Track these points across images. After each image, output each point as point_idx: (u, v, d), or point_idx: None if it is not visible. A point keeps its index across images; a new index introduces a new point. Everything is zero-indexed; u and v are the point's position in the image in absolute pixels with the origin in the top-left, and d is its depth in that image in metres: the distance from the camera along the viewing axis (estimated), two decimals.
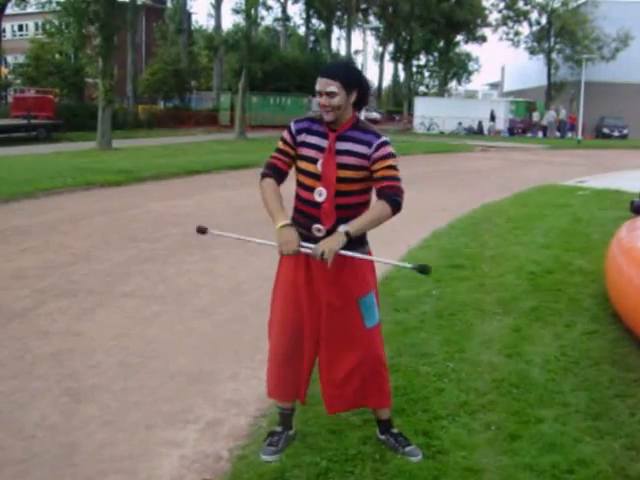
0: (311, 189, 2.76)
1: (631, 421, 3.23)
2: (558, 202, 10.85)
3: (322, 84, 2.67)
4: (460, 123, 37.84)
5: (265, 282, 5.60)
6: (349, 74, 2.70)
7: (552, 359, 4.01)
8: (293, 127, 2.81)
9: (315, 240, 2.72)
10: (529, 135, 37.44)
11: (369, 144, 2.71)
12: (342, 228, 2.65)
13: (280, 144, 2.85)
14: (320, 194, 2.73)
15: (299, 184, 2.83)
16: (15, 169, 14.19)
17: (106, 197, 11.38)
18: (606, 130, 38.36)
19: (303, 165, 2.79)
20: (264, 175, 2.84)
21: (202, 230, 3.06)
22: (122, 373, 3.92)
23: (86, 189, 12.02)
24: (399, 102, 55.90)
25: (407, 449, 2.91)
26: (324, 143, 2.74)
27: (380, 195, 2.71)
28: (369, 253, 2.85)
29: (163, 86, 38.61)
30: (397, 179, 2.72)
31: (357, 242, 2.72)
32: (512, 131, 38.03)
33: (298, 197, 2.84)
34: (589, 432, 3.11)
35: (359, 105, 2.75)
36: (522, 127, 38.90)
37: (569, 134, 37.26)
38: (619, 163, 20.49)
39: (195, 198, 11.32)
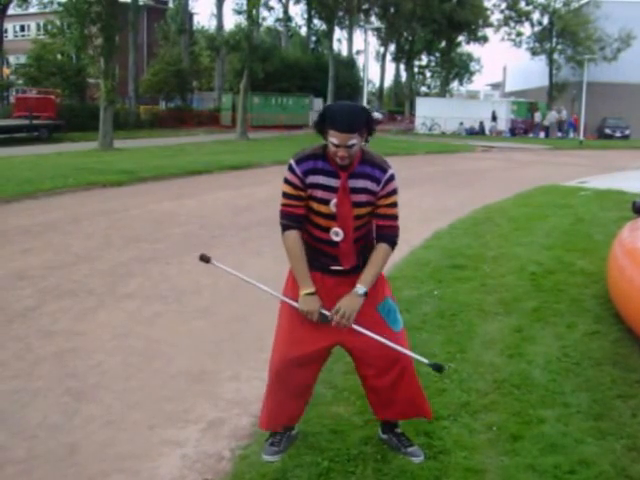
0: (326, 229, 2.72)
1: (633, 422, 3.23)
2: (560, 202, 10.83)
3: (342, 139, 2.54)
4: (461, 123, 37.81)
5: (267, 283, 5.58)
6: (362, 120, 2.59)
7: (554, 360, 4.00)
8: (298, 170, 2.67)
9: (332, 273, 2.76)
10: (531, 135, 37.41)
11: (378, 181, 2.68)
12: (359, 289, 2.67)
13: (289, 189, 2.70)
14: (337, 234, 2.71)
15: (312, 224, 2.75)
16: (17, 169, 14.22)
17: (108, 197, 11.39)
18: (608, 131, 38.29)
19: (315, 206, 2.70)
20: (286, 227, 2.73)
21: (205, 259, 3.00)
22: (124, 373, 3.93)
23: (88, 189, 12.04)
24: (401, 102, 55.90)
25: (409, 449, 2.92)
26: (333, 182, 2.66)
27: (380, 236, 2.75)
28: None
29: (165, 86, 38.69)
30: (396, 218, 2.77)
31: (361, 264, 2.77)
32: (513, 131, 38.01)
33: (311, 235, 2.77)
34: (591, 433, 3.11)
35: (366, 139, 2.68)
36: (524, 127, 38.87)
37: (571, 134, 37.23)
38: (621, 164, 20.47)
39: (196, 198, 11.33)
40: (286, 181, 2.71)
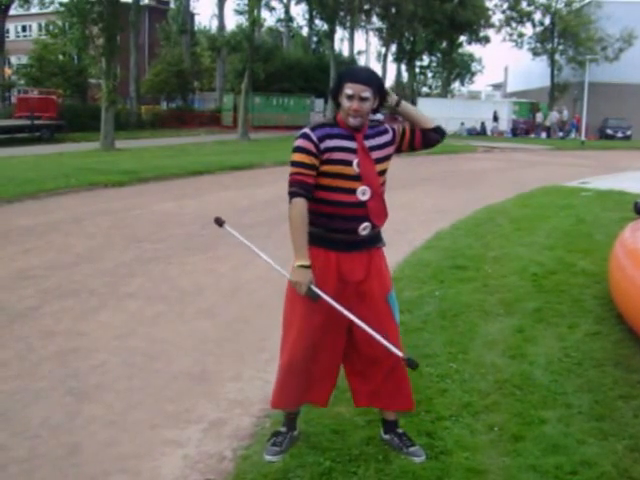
0: (352, 191, 2.72)
1: (635, 422, 3.23)
2: (561, 203, 10.82)
3: (357, 89, 2.62)
4: (463, 124, 37.77)
5: (268, 283, 5.62)
6: (378, 81, 2.69)
7: (555, 360, 4.00)
8: (314, 136, 2.68)
9: (360, 241, 2.77)
10: (532, 136, 37.37)
11: (386, 131, 2.85)
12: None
13: (303, 157, 2.67)
14: (364, 193, 2.73)
15: (332, 189, 2.72)
16: (18, 170, 14.24)
17: (109, 197, 11.40)
18: (609, 131, 38.27)
19: (336, 169, 2.69)
20: (295, 194, 2.68)
21: (220, 222, 3.14)
22: (126, 373, 3.93)
23: (89, 189, 12.06)
24: None
25: (411, 449, 2.92)
26: (351, 144, 2.71)
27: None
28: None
29: (166, 87, 38.73)
30: None
31: (378, 236, 2.87)
32: (515, 132, 37.98)
33: (333, 202, 2.73)
34: (592, 433, 3.11)
35: (374, 110, 2.75)
36: (525, 128, 38.83)
37: (572, 135, 37.21)
38: (622, 164, 20.44)
39: (198, 199, 11.34)
40: (299, 149, 2.69)
